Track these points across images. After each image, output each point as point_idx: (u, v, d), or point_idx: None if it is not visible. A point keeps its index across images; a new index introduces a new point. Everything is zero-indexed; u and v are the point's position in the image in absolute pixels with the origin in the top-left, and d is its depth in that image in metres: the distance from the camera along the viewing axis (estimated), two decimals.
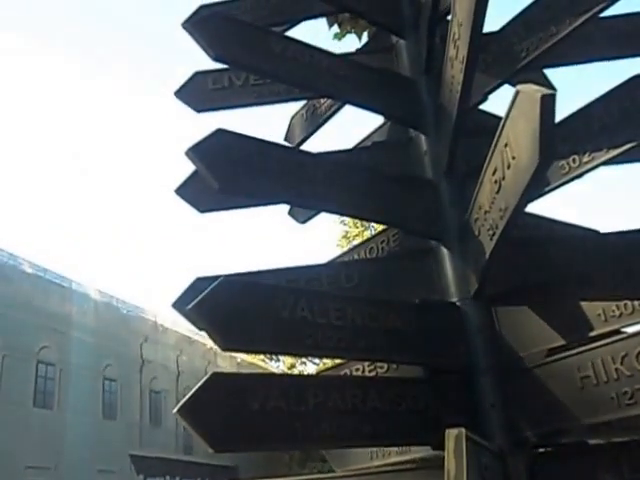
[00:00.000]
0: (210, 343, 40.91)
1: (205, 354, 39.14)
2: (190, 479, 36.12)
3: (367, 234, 21.48)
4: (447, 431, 2.06)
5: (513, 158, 2.55)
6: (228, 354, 39.83)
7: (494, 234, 2.87)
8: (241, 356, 41.48)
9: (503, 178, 2.70)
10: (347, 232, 30.10)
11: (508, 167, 2.62)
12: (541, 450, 3.12)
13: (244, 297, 2.80)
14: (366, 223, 28.96)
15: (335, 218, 30.83)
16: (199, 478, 36.74)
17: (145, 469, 32.92)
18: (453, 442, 2.00)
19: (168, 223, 68.45)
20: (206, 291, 2.67)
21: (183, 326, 39.02)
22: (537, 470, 3.01)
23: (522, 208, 2.70)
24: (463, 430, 2.04)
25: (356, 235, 28.09)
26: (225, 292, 2.73)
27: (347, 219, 30.35)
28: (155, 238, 65.60)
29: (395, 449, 3.58)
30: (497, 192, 2.78)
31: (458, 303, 3.34)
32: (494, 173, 2.79)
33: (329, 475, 3.55)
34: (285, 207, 4.67)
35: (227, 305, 2.73)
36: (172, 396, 36.83)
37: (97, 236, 63.52)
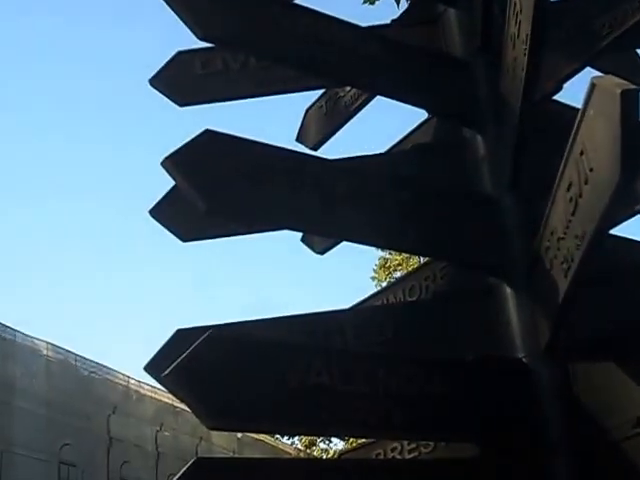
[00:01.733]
0: None
1: (195, 429, 39.13)
2: None
3: (414, 263, 21.45)
4: None
5: (591, 170, 2.65)
6: None
7: (569, 268, 2.96)
8: None
9: (580, 195, 2.79)
10: (387, 260, 30.16)
11: (585, 182, 2.71)
12: None
13: (238, 358, 2.89)
14: None
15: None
16: None
17: None
18: None
19: (147, 254, 68.87)
20: (187, 351, 2.77)
21: (164, 392, 39.15)
22: None
23: (605, 234, 2.79)
24: None
25: (398, 264, 28.15)
26: (213, 352, 2.81)
27: None
28: (129, 275, 65.95)
29: None
30: (573, 214, 2.87)
31: (525, 359, 3.43)
32: (569, 189, 2.88)
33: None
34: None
35: (215, 370, 2.82)
36: None
37: (51, 276, 64.08)
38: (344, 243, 4.66)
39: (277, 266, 66.54)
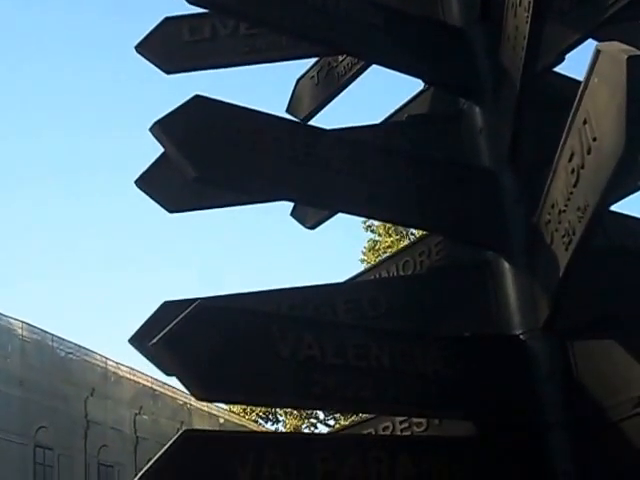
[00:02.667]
0: (183, 397, 41.14)
1: (175, 412, 39.31)
2: None
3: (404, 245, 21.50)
4: None
5: (594, 139, 2.66)
6: (207, 411, 39.95)
7: (570, 242, 2.98)
8: (225, 415, 41.62)
9: (582, 166, 2.80)
10: (376, 242, 30.25)
11: (588, 152, 2.73)
12: None
13: (228, 329, 2.91)
14: (402, 230, 29.07)
15: (358, 221, 30.99)
16: None
17: None
18: None
19: (127, 227, 68.75)
20: (176, 320, 2.77)
21: (144, 374, 39.19)
22: None
23: (607, 206, 2.80)
24: None
25: (388, 246, 28.20)
26: (202, 322, 2.83)
27: (376, 223, 30.53)
28: (109, 251, 65.85)
29: None
30: (574, 185, 2.88)
31: (523, 336, 3.45)
32: (571, 159, 2.89)
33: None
34: (287, 204, 4.78)
35: (204, 340, 2.84)
36: (129, 471, 36.85)
37: (27, 253, 63.95)
38: (333, 221, 4.69)
39: (264, 248, 66.57)
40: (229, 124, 3.32)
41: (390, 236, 29.63)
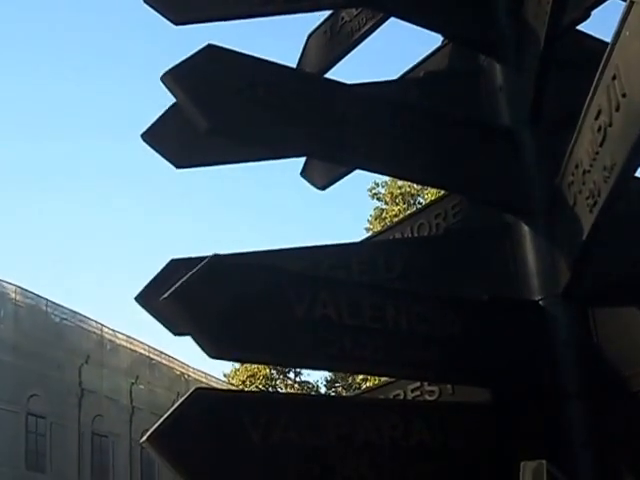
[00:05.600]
0: (181, 368, 41.29)
1: (173, 383, 39.47)
2: None
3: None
4: (523, 464, 2.19)
5: (623, 96, 2.65)
6: (206, 382, 40.05)
7: (595, 203, 2.97)
8: (224, 387, 41.73)
9: (610, 124, 2.79)
10: (382, 210, 30.23)
11: (617, 108, 2.71)
12: None
13: (243, 285, 2.91)
14: (409, 198, 29.07)
15: (365, 190, 30.96)
16: None
17: None
18: (531, 476, 2.14)
19: (128, 190, 68.79)
20: (189, 274, 2.78)
21: (141, 343, 39.33)
22: None
23: (635, 166, 2.79)
24: (544, 463, 2.18)
25: (395, 215, 28.15)
26: (217, 277, 2.84)
27: (382, 192, 30.51)
28: (109, 213, 65.89)
29: None
30: (601, 144, 2.87)
31: (542, 302, 3.46)
32: (597, 117, 2.88)
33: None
34: (297, 164, 4.77)
35: (219, 296, 2.85)
36: (124, 442, 37.15)
37: (23, 213, 63.90)
38: (338, 189, 4.68)
39: (262, 216, 66.64)
40: (243, 75, 3.32)
41: (397, 205, 29.59)
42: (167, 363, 40.44)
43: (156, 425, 2.71)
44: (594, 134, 2.92)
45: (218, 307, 2.83)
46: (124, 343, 38.81)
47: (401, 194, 29.94)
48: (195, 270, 2.77)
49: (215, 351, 2.78)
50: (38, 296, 35.29)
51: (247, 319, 2.87)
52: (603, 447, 3.23)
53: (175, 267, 3.57)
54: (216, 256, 2.84)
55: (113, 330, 38.50)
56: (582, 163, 3.08)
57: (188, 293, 2.73)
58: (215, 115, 3.16)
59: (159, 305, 3.57)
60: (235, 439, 2.85)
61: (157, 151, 3.97)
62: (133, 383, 38.38)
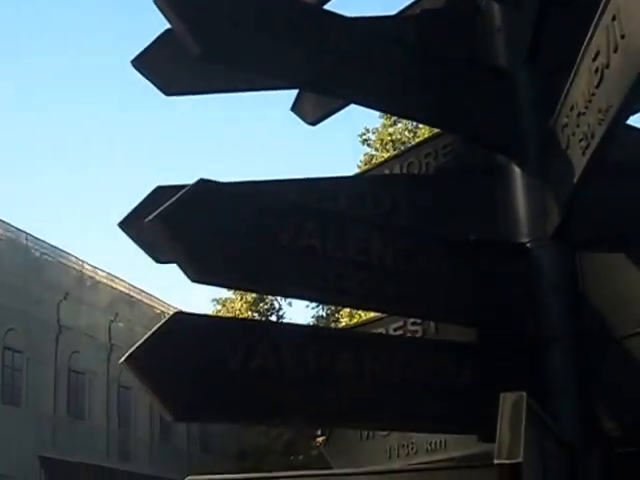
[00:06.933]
0: (161, 306, 41.33)
1: (152, 321, 39.30)
2: None
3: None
4: (502, 395, 2.23)
5: (622, 37, 2.65)
6: None
7: (588, 146, 2.99)
8: None
9: (607, 66, 2.80)
10: (372, 157, 30.24)
11: (615, 50, 2.72)
12: (623, 449, 3.30)
13: (229, 210, 2.92)
14: (401, 147, 29.06)
15: (355, 135, 30.93)
16: None
17: (61, 479, 33.49)
18: (510, 407, 2.17)
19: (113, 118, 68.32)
20: (176, 196, 2.77)
21: (121, 280, 39.37)
22: (614, 474, 3.21)
23: (631, 109, 2.81)
24: (524, 394, 2.22)
25: (385, 161, 28.14)
26: (204, 200, 2.84)
27: (372, 137, 30.52)
28: (90, 144, 65.59)
29: (423, 445, 3.77)
30: (597, 85, 2.88)
31: (530, 245, 3.48)
32: (595, 58, 2.89)
33: (334, 472, 3.74)
34: (288, 98, 4.76)
35: (205, 219, 2.86)
36: (101, 380, 37.32)
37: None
38: (334, 118, 4.67)
39: (250, 156, 66.47)
40: (238, 1, 3.30)
41: (387, 151, 29.58)
42: (147, 301, 40.51)
43: (135, 347, 2.73)
44: (591, 75, 2.93)
45: (203, 231, 2.84)
46: (104, 280, 38.82)
47: (391, 141, 29.97)
48: (182, 193, 2.77)
49: (198, 275, 2.79)
50: (18, 229, 35.21)
51: (231, 244, 2.88)
52: (584, 392, 3.27)
53: (161, 194, 3.56)
54: (203, 180, 2.85)
55: (93, 267, 38.51)
56: (577, 105, 3.10)
57: (174, 215, 2.74)
58: (208, 40, 3.14)
59: (143, 230, 3.60)
60: (213, 364, 2.88)
61: (147, 77, 3.96)
62: (112, 321, 38.43)
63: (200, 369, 2.84)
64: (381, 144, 30.44)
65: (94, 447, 35.73)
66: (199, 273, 2.79)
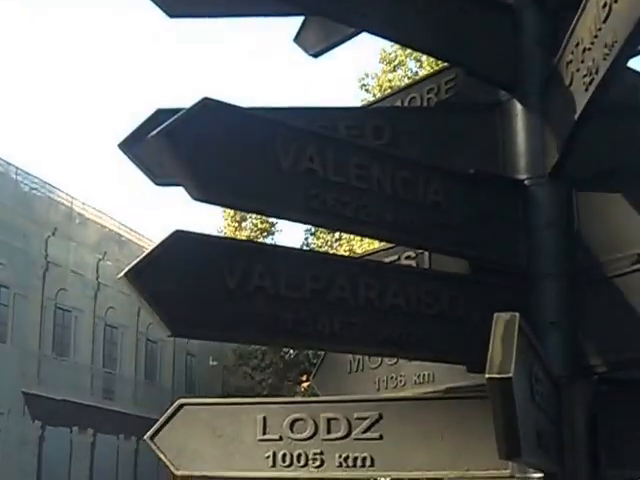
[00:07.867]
0: (150, 246, 41.13)
1: None
2: (106, 434, 37.05)
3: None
4: (496, 315, 2.28)
5: None
6: None
7: (592, 82, 3.02)
8: None
9: (615, 0, 2.83)
10: (371, 103, 30.16)
11: None
12: (608, 384, 3.39)
13: (232, 130, 2.94)
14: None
15: (355, 79, 30.82)
16: (119, 434, 37.63)
17: (44, 414, 33.79)
18: (503, 327, 2.23)
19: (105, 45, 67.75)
20: (179, 113, 2.78)
21: (111, 218, 39.35)
22: (599, 408, 3.29)
23: (637, 45, 2.83)
24: (517, 315, 2.27)
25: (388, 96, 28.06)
26: (208, 118, 2.86)
27: (371, 83, 30.40)
28: (83, 71, 65.26)
29: (412, 377, 3.85)
30: (604, 20, 2.91)
31: (528, 182, 3.54)
32: None
33: (323, 399, 3.81)
34: (292, 26, 4.76)
35: (208, 137, 2.88)
36: (87, 317, 37.49)
37: None
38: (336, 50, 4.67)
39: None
40: None
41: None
42: (137, 241, 40.52)
43: (134, 262, 2.78)
44: (599, 10, 2.95)
45: (205, 149, 2.86)
46: (94, 217, 38.82)
47: (390, 87, 29.84)
48: (186, 110, 2.79)
49: (200, 194, 2.81)
50: (7, 163, 35.11)
51: (233, 165, 2.91)
52: (575, 328, 3.35)
53: (161, 116, 3.59)
54: (207, 99, 2.87)
55: (83, 203, 38.48)
56: (583, 41, 3.12)
57: (177, 132, 2.75)
58: None
59: (143, 151, 3.64)
60: (211, 283, 2.94)
61: None
62: (100, 259, 38.50)
63: (198, 286, 2.90)
64: (380, 90, 30.30)
65: (78, 385, 35.99)
66: (201, 192, 2.81)
